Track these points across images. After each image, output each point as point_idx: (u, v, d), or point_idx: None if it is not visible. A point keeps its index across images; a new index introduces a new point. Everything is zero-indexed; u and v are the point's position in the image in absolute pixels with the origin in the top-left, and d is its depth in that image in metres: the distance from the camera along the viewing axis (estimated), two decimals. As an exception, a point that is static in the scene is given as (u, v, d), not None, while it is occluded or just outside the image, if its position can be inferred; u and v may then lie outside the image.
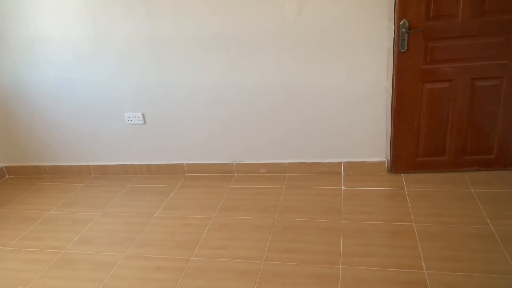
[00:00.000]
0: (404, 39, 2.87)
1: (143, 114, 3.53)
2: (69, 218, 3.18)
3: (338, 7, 2.90)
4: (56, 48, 3.41)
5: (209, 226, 2.86)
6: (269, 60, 3.13)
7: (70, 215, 3.22)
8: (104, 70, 3.41)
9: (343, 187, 3.19)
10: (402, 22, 2.84)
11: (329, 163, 3.40)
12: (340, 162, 3.38)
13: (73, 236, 2.92)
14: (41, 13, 3.30)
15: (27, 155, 3.96)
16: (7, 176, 4.08)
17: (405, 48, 2.89)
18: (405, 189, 3.06)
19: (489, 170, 3.16)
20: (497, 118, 3.00)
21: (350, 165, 3.37)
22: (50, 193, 3.63)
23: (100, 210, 3.24)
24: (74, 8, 3.24)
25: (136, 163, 3.77)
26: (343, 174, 3.39)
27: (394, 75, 2.98)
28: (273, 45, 3.08)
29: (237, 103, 3.34)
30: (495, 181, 3.02)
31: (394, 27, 2.88)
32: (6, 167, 4.05)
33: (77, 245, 2.81)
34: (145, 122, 3.56)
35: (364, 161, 3.34)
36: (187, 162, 3.67)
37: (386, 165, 3.31)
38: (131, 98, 3.48)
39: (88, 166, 3.87)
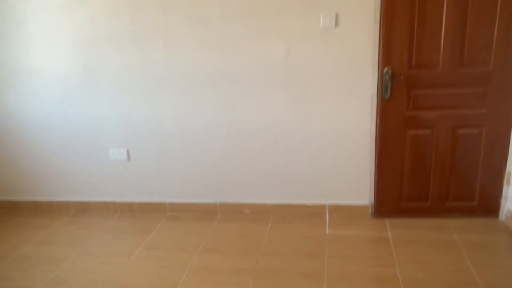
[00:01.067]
0: (387, 86, 2.96)
1: (127, 151, 3.50)
2: (43, 256, 3.05)
3: (324, 52, 2.99)
4: (45, 81, 3.41)
5: (189, 269, 2.77)
6: (257, 101, 3.18)
7: (44, 253, 3.09)
8: (93, 105, 3.41)
9: (327, 231, 3.15)
10: (385, 69, 2.93)
11: (314, 205, 3.38)
12: (325, 205, 3.36)
13: (45, 276, 2.78)
14: (33, 46, 3.33)
15: (4, 189, 3.85)
16: (-18, 210, 3.94)
17: (389, 95, 2.97)
18: (389, 234, 3.04)
19: (471, 217, 3.17)
20: (478, 165, 3.06)
21: (335, 208, 3.35)
22: (25, 229, 3.50)
23: (78, 249, 3.12)
24: (66, 43, 3.28)
25: (118, 200, 3.69)
26: (327, 217, 3.37)
27: (378, 121, 3.05)
28: (262, 86, 3.14)
29: (224, 142, 3.34)
30: (477, 228, 3.03)
31: (378, 74, 2.97)
32: (-18, 201, 3.93)
33: (49, 286, 2.68)
34: (129, 159, 3.53)
35: (349, 205, 3.33)
36: (170, 201, 3.61)
37: (370, 209, 3.30)
38: (117, 134, 3.46)
39: (68, 202, 3.77)
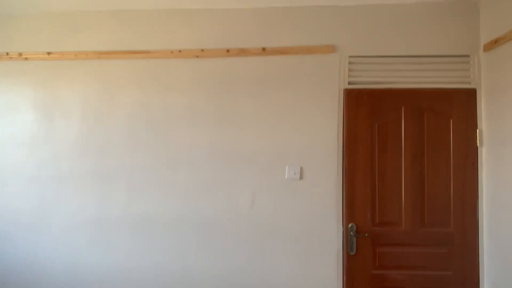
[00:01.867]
0: (352, 242, 2.90)
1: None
2: None
3: (289, 204, 2.98)
4: (-9, 217, 3.17)
5: None
6: (219, 248, 3.01)
7: None
8: (39, 247, 3.13)
9: None
10: (350, 225, 2.92)
11: None
12: None
13: None
14: (-15, 182, 3.18)
15: None
16: None
17: (354, 251, 2.90)
18: None
19: None
20: (451, 332, 2.87)
21: None
22: None
23: None
24: (24, 179, 3.14)
25: None
26: None
27: (344, 278, 2.91)
28: (225, 235, 3.01)
29: (179, 294, 3.05)
30: None
31: (343, 229, 2.94)
32: None
33: None
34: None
35: None
36: None
37: None
38: (62, 281, 3.11)
39: None
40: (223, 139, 3.06)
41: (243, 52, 3.06)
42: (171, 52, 3.10)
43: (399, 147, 2.96)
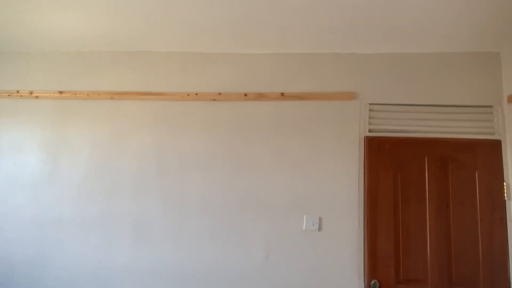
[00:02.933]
0: (376, 301, 2.70)
1: None
2: None
3: (306, 257, 2.80)
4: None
5: None
6: (229, 307, 2.79)
7: None
8: (33, 297, 2.88)
9: None
10: (372, 282, 2.72)
11: None
12: None
13: None
14: (-18, 225, 2.97)
15: None
16: None
17: (378, 311, 2.69)
18: None
19: None
20: None
21: None
22: None
23: None
24: (23, 223, 2.95)
25: None
26: None
27: None
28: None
29: None
30: None
31: (365, 286, 2.74)
32: None
33: None
34: None
35: None
36: None
37: None
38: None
39: None
40: (238, 185, 2.92)
41: (261, 96, 2.99)
42: (187, 94, 3.02)
43: (423, 198, 2.83)
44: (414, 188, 2.85)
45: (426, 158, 2.88)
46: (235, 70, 3.06)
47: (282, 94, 2.99)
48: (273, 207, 2.87)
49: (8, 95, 3.09)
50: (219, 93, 3.02)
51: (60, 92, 3.07)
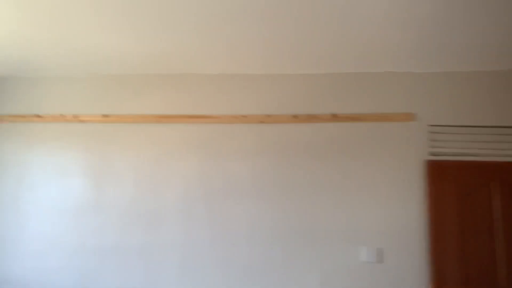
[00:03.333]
0: None
1: None
2: None
3: (367, 293, 2.57)
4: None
5: None
6: None
7: None
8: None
9: None
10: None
11: None
12: None
13: None
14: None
15: None
16: None
17: None
18: None
19: None
20: None
21: None
22: None
23: None
24: (66, 251, 2.84)
25: None
26: None
27: None
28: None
29: None
30: None
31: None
32: None
33: None
34: None
35: None
36: None
37: None
38: None
39: None
40: (288, 212, 2.74)
41: (311, 118, 2.84)
42: (235, 117, 2.91)
43: (490, 227, 2.58)
44: (480, 217, 2.61)
45: (493, 183, 2.64)
46: (283, 91, 2.93)
47: (334, 115, 2.83)
48: (327, 237, 2.68)
49: (53, 119, 3.04)
50: (267, 115, 2.89)
51: (105, 116, 3.00)
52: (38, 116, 3.07)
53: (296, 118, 2.86)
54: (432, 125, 2.77)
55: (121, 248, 2.81)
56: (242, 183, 2.81)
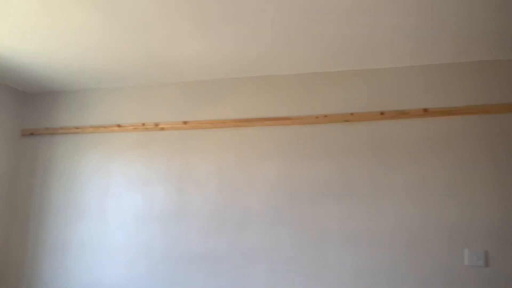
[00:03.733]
0: None
1: None
2: None
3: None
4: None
5: None
6: None
7: None
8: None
9: None
10: None
11: None
12: None
13: None
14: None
15: None
16: None
17: None
18: None
19: None
20: None
21: None
22: None
23: None
24: (154, 258, 2.86)
25: None
26: None
27: None
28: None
29: None
30: None
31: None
32: None
33: None
34: None
35: None
36: None
37: None
38: None
39: None
40: (381, 215, 2.60)
41: (400, 114, 2.69)
42: (316, 117, 2.81)
43: None
44: None
45: None
46: (368, 87, 2.80)
47: (425, 110, 2.66)
48: (425, 240, 2.51)
49: (134, 128, 3.09)
50: (352, 114, 2.76)
51: (185, 123, 3.01)
52: (119, 126, 3.12)
53: (383, 115, 2.71)
54: (537, 115, 2.53)
55: (208, 254, 2.79)
56: (328, 185, 2.70)
